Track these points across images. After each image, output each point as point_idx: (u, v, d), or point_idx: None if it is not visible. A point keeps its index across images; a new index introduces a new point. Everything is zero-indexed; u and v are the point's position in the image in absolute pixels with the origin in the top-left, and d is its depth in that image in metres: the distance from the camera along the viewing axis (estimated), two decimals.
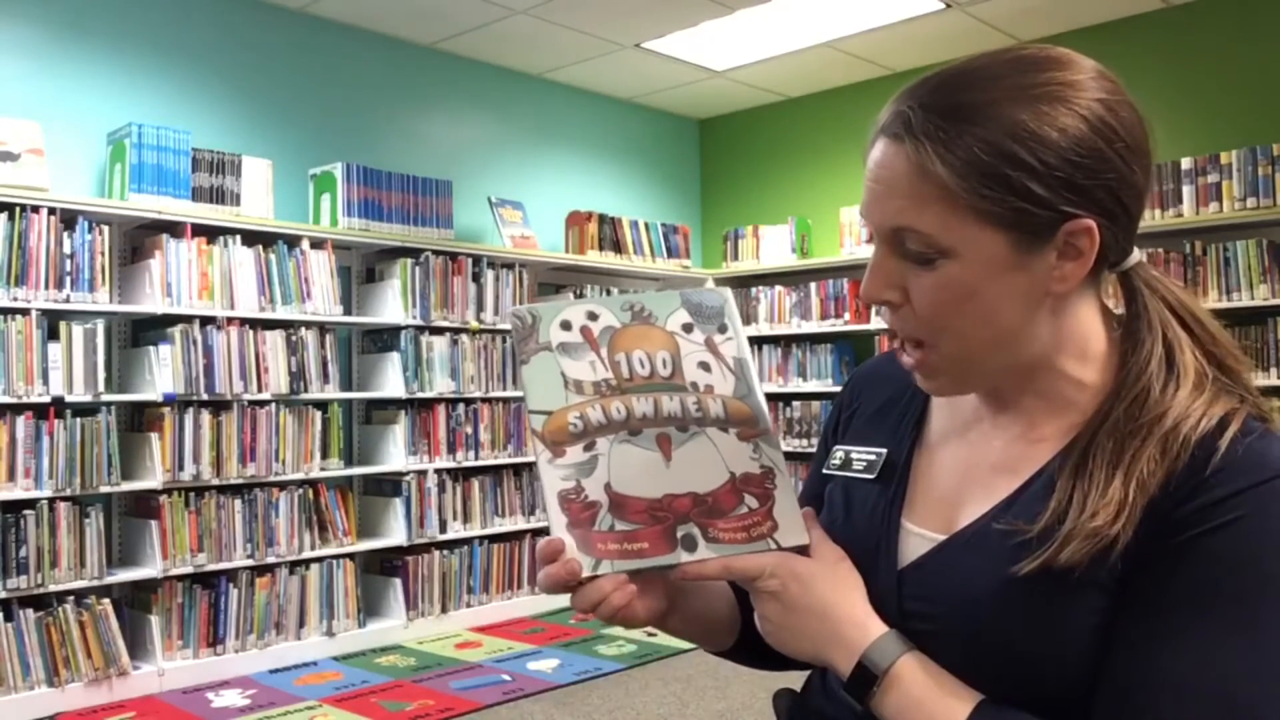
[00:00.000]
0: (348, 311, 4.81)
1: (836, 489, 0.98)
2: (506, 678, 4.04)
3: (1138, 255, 0.85)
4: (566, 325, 0.90)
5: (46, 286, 3.72)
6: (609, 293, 5.76)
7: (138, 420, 4.15)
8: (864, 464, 0.96)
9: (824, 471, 1.01)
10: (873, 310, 5.60)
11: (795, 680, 1.03)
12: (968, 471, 0.89)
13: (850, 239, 5.73)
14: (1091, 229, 0.78)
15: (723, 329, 0.91)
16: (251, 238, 4.32)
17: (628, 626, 0.88)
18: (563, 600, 4.88)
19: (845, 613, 0.84)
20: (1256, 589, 0.74)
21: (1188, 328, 0.84)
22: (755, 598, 0.86)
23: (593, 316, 0.91)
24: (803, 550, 0.86)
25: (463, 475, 5.02)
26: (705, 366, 0.90)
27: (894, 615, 0.85)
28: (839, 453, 1.00)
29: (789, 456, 5.79)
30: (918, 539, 0.89)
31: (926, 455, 0.94)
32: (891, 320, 0.85)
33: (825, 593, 0.84)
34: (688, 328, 0.91)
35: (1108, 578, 0.77)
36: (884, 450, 0.96)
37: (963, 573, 0.83)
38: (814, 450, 1.20)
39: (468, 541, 5.00)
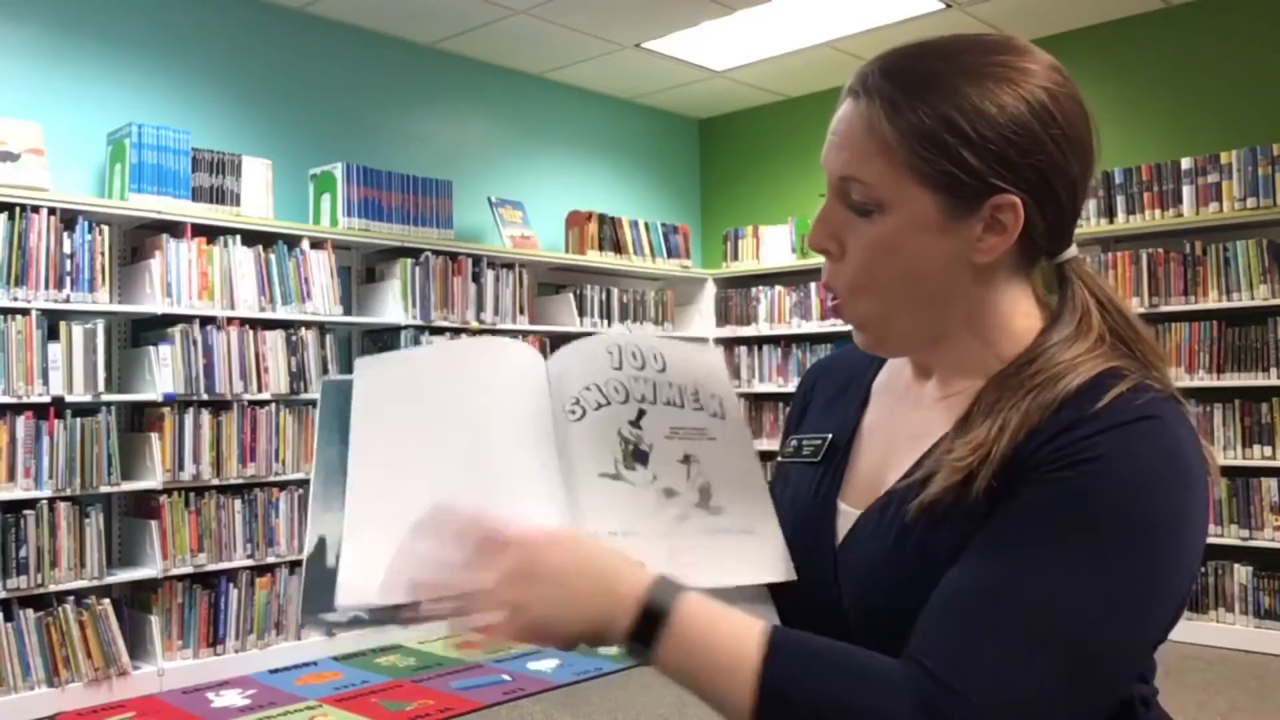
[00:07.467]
0: (348, 311, 4.81)
1: (781, 477, 1.01)
2: (506, 678, 4.04)
3: (1075, 250, 0.88)
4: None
5: (46, 286, 3.72)
6: (609, 293, 5.74)
7: (138, 420, 4.15)
8: (811, 449, 0.98)
9: (780, 460, 1.03)
10: None
11: None
12: (888, 443, 0.92)
13: None
14: (1016, 206, 0.82)
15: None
16: (251, 238, 4.31)
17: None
18: None
19: (605, 561, 0.78)
20: (1096, 520, 0.73)
21: (1111, 320, 0.86)
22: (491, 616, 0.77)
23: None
24: None
25: None
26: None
27: (834, 596, 0.86)
28: (793, 442, 1.03)
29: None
30: (848, 517, 0.91)
31: (864, 435, 0.96)
32: (827, 273, 0.88)
33: (567, 553, 0.78)
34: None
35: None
36: (830, 434, 0.98)
37: (867, 546, 0.86)
38: None
39: None
